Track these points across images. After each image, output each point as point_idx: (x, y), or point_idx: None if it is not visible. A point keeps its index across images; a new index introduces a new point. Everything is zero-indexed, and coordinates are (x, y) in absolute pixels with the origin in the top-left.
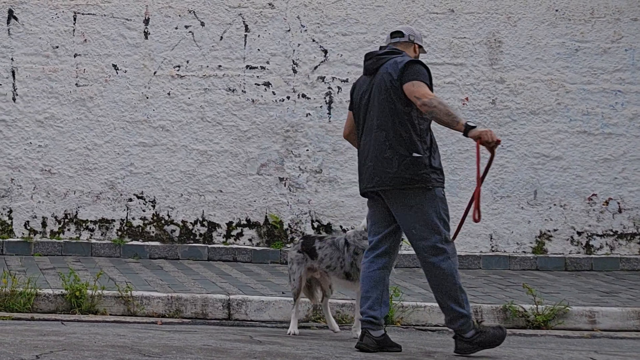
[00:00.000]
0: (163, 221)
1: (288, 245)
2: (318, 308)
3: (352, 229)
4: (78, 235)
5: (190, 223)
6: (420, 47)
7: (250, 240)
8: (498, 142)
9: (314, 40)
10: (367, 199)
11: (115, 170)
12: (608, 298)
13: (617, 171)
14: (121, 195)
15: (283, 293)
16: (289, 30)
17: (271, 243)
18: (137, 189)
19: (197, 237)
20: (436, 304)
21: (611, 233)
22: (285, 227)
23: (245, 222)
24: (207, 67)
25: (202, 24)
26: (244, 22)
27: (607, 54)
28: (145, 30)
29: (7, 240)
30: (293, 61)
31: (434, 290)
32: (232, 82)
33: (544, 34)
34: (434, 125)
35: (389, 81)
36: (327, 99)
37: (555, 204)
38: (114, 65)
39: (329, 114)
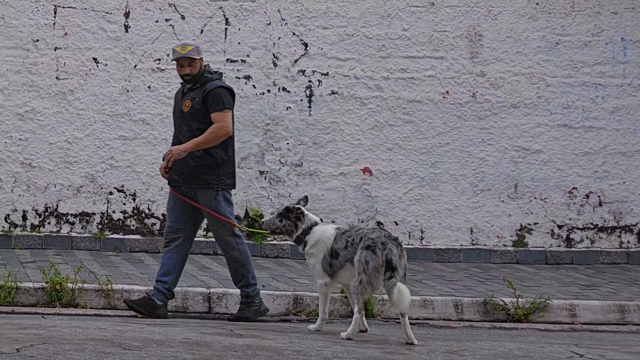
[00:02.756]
0: (143, 214)
1: (269, 239)
2: (298, 301)
3: (332, 222)
4: (58, 228)
5: None
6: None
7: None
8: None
9: (294, 34)
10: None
11: (96, 164)
12: (588, 291)
13: (598, 164)
14: (102, 188)
15: (263, 286)
16: (269, 24)
17: (252, 237)
18: (118, 183)
19: None
20: (417, 297)
21: (592, 226)
22: None
23: None
24: None
25: (183, 17)
26: (224, 15)
27: (587, 47)
28: (126, 23)
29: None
30: (273, 54)
31: None
32: None
33: (525, 27)
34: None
35: None
36: (308, 92)
37: (535, 198)
38: (95, 59)
39: (310, 107)
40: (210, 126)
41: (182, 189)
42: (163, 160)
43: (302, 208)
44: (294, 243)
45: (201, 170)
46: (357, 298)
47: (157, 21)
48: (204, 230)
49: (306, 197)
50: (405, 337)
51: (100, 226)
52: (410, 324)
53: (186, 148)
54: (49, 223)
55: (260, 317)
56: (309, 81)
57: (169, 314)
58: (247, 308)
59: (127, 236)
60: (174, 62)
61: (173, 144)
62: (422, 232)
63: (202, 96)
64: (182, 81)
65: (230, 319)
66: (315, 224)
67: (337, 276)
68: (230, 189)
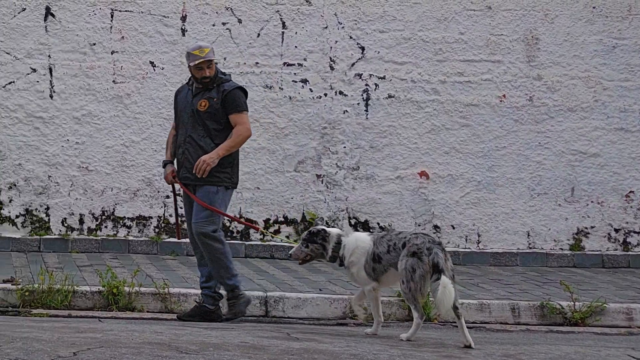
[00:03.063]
0: None
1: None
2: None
3: (389, 226)
4: (115, 232)
5: (228, 220)
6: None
7: (287, 237)
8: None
9: (351, 37)
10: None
11: (153, 167)
12: None
13: None
14: (158, 192)
15: (320, 290)
16: (326, 27)
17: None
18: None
19: (235, 234)
20: (474, 301)
21: None
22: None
23: (282, 219)
24: (245, 64)
25: (240, 21)
26: (281, 19)
27: None
28: (183, 27)
29: (44, 237)
30: (330, 58)
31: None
32: (269, 79)
33: (581, 31)
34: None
35: None
36: (365, 95)
37: (592, 201)
38: (151, 62)
39: (366, 111)
40: (225, 126)
41: (190, 186)
42: (164, 167)
43: (325, 228)
44: (328, 262)
45: (217, 168)
46: (412, 304)
47: (213, 25)
48: (260, 234)
49: (321, 218)
50: (464, 340)
51: (157, 230)
52: (467, 327)
53: (218, 154)
54: (105, 227)
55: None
56: (366, 85)
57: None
58: (237, 301)
59: (183, 240)
60: (193, 64)
61: (180, 143)
62: (479, 235)
63: (220, 96)
64: (188, 82)
65: (228, 317)
66: (339, 236)
67: (381, 280)
68: (234, 188)
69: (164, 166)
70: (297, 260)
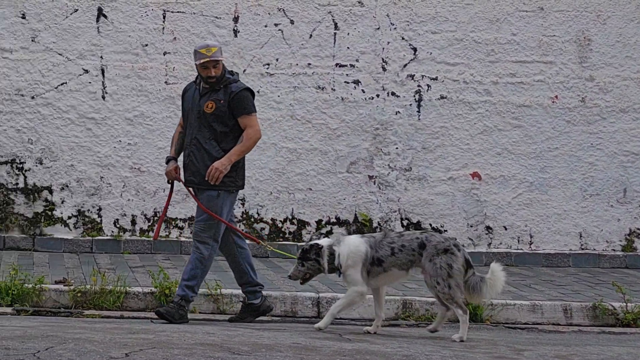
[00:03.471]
0: (252, 219)
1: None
2: (407, 305)
3: (441, 227)
4: (167, 233)
5: (280, 221)
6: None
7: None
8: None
9: (403, 38)
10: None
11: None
12: None
13: None
14: None
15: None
16: (378, 28)
17: None
18: None
19: (287, 235)
20: (526, 302)
21: None
22: (374, 225)
23: (334, 220)
24: (297, 65)
25: (292, 22)
26: (333, 20)
27: None
28: (235, 28)
29: (96, 238)
30: (382, 59)
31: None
32: (321, 80)
33: (634, 32)
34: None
35: None
36: (417, 97)
37: None
38: None
39: (419, 112)
40: (232, 129)
41: (194, 189)
42: (167, 163)
43: (318, 242)
44: (329, 274)
45: None
46: (452, 302)
47: (266, 26)
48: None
49: (321, 232)
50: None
51: None
52: (520, 328)
53: (229, 160)
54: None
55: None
56: (418, 86)
57: (277, 318)
58: (178, 309)
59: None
60: (199, 63)
61: (187, 144)
62: (531, 236)
63: (228, 98)
64: (195, 80)
65: (160, 311)
66: (331, 246)
67: (375, 280)
68: (239, 190)
69: (167, 162)
70: (297, 280)
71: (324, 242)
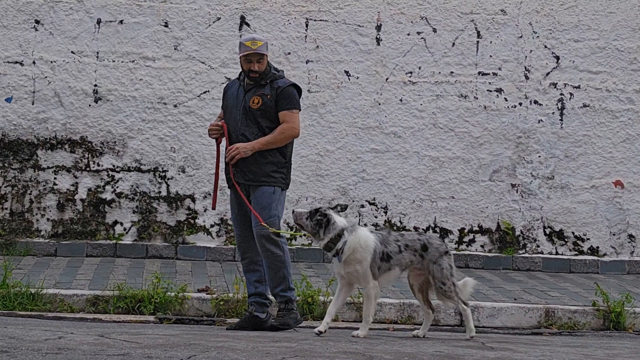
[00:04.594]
0: (395, 227)
1: (520, 252)
2: (549, 314)
3: (584, 235)
4: (310, 241)
5: (422, 229)
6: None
7: (482, 246)
8: (217, 131)
9: (546, 47)
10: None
11: (347, 177)
12: None
13: None
14: (353, 201)
15: (515, 299)
16: (521, 37)
17: (503, 249)
18: (369, 196)
19: None
20: None
21: None
22: (517, 233)
23: (477, 229)
24: (439, 73)
25: (434, 30)
26: (475, 28)
27: None
28: (377, 36)
29: None
30: (525, 67)
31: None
32: (464, 89)
33: None
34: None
35: None
36: (559, 105)
37: None
38: (346, 72)
39: (561, 120)
40: (279, 124)
41: (242, 186)
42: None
43: (330, 215)
44: (322, 249)
45: (272, 167)
46: (455, 300)
47: (408, 34)
48: (455, 243)
49: (345, 205)
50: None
51: None
52: None
53: (253, 147)
54: (301, 236)
55: (299, 326)
56: (561, 94)
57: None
58: (288, 314)
59: None
60: (243, 56)
61: (232, 142)
62: None
63: (275, 93)
64: (239, 77)
65: (274, 324)
66: (343, 229)
67: (381, 279)
68: (286, 189)
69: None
70: (294, 220)
71: (339, 220)
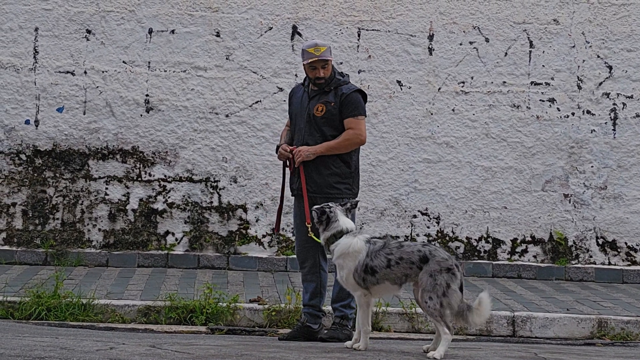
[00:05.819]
0: (447, 238)
1: (573, 262)
2: (602, 324)
3: (637, 245)
4: None
5: (475, 239)
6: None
7: (534, 256)
8: (286, 157)
9: (598, 57)
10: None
11: (400, 187)
12: None
13: None
14: (405, 211)
15: (568, 310)
16: (573, 46)
17: (556, 260)
18: (422, 206)
19: (482, 254)
20: None
21: None
22: (569, 243)
23: (529, 239)
24: (492, 83)
25: (487, 40)
26: (528, 38)
27: None
28: (430, 46)
29: (291, 256)
30: (578, 77)
31: None
32: (516, 98)
33: None
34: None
35: None
36: (612, 115)
37: None
38: (398, 82)
39: (614, 130)
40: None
41: (310, 198)
42: (276, 151)
43: (333, 213)
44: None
45: (336, 179)
46: (439, 320)
47: (461, 44)
48: (507, 254)
49: (356, 202)
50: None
51: None
52: None
53: (316, 151)
54: None
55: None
56: (614, 104)
57: (472, 336)
58: (341, 330)
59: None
60: (307, 63)
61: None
62: None
63: (339, 100)
64: (303, 82)
65: (323, 337)
66: (342, 232)
67: (373, 291)
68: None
69: (278, 149)
70: (310, 212)
71: (343, 220)
